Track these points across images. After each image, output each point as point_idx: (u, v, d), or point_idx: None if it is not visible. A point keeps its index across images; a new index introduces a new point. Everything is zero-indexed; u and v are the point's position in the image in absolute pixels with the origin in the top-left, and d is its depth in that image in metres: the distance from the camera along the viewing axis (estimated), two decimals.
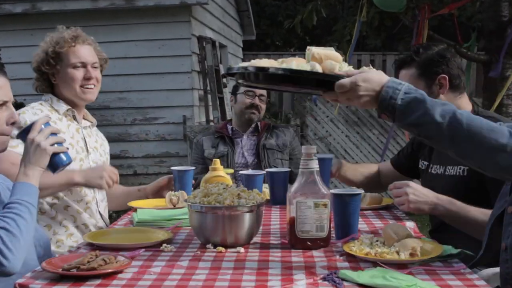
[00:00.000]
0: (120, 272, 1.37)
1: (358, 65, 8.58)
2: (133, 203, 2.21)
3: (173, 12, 5.93)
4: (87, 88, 2.25)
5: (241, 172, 2.37)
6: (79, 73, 2.23)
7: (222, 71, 6.81)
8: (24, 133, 1.58)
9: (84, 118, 2.35)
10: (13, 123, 1.60)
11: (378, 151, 7.36)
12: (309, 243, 1.56)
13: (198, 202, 1.62)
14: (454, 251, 1.50)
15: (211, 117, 6.19)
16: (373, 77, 1.33)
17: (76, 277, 1.33)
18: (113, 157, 5.89)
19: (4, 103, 1.59)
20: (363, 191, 1.76)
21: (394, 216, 2.08)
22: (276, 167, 2.93)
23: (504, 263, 1.47)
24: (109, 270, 1.35)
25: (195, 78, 6.12)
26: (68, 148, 1.64)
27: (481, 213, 1.77)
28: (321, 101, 7.33)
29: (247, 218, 1.60)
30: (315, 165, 1.58)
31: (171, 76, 6.00)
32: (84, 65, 2.24)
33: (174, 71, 5.99)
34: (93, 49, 2.32)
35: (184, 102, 6.00)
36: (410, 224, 1.86)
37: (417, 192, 1.85)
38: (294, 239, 1.58)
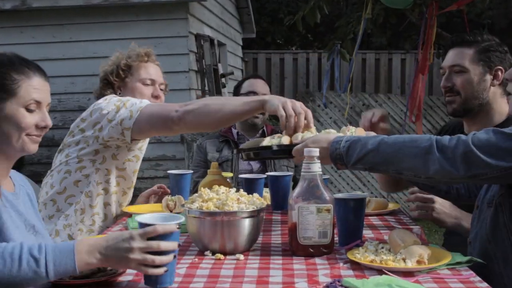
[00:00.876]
0: (115, 280, 1.38)
1: (362, 64, 8.56)
2: (128, 208, 2.22)
3: (170, 9, 5.94)
4: None
5: (241, 175, 2.37)
6: (147, 90, 2.31)
7: (221, 71, 6.81)
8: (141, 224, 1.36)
9: None
10: (43, 127, 1.58)
11: None
12: (311, 250, 1.57)
13: (196, 207, 1.63)
14: (463, 258, 1.50)
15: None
16: (321, 138, 1.65)
17: (69, 285, 1.33)
18: None
19: (38, 104, 1.56)
20: (367, 196, 1.76)
21: (400, 222, 2.08)
22: None
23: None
24: (103, 279, 1.34)
25: (193, 78, 6.12)
26: (166, 270, 1.31)
27: None
28: (323, 103, 7.34)
29: (247, 224, 1.60)
30: (317, 168, 1.59)
31: (167, 75, 5.91)
32: (153, 83, 2.32)
33: (171, 70, 5.98)
34: (160, 71, 2.41)
35: (181, 102, 6.00)
36: (417, 230, 1.86)
37: (444, 203, 1.98)
38: (296, 246, 1.58)
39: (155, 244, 1.29)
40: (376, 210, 2.20)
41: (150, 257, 1.28)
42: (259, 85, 3.20)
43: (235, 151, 3.10)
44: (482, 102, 2.13)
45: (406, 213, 2.30)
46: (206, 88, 6.19)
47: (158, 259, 1.29)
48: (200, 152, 3.17)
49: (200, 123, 2.01)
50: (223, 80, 6.67)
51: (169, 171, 2.39)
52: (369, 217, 2.13)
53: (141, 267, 1.29)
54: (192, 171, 2.45)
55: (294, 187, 3.04)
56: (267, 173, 2.39)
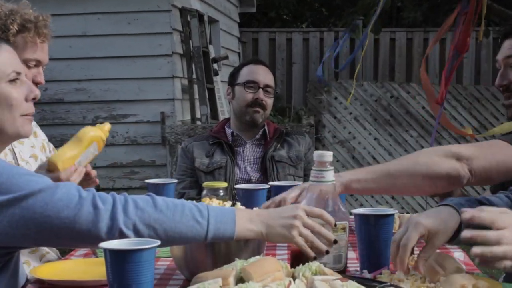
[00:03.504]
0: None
1: (391, 46, 8.58)
2: None
3: None
4: None
5: (237, 186, 2.38)
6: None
7: (213, 54, 6.82)
8: None
9: None
10: (33, 99, 1.72)
11: None
12: None
13: None
14: None
15: (198, 115, 6.20)
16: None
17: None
18: None
19: (18, 75, 1.70)
20: (396, 211, 1.77)
21: None
22: None
23: None
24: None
25: (177, 63, 6.13)
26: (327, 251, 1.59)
27: None
28: (341, 93, 7.36)
29: (244, 247, 1.61)
30: (331, 177, 1.59)
31: (145, 60, 6.02)
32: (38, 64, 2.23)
33: (149, 54, 6.01)
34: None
35: (162, 94, 6.02)
36: (459, 255, 1.87)
37: None
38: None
39: (317, 211, 1.56)
40: None
41: (310, 234, 1.54)
42: (261, 72, 3.20)
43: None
44: None
45: None
46: (194, 76, 6.20)
47: (323, 230, 1.55)
48: (186, 157, 3.18)
49: None
50: (215, 66, 6.68)
51: (147, 181, 2.39)
52: None
53: (301, 242, 1.53)
54: (176, 181, 2.45)
55: None
56: (269, 183, 2.39)
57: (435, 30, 8.67)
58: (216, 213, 1.52)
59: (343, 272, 1.60)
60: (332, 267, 1.57)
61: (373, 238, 1.70)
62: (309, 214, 1.55)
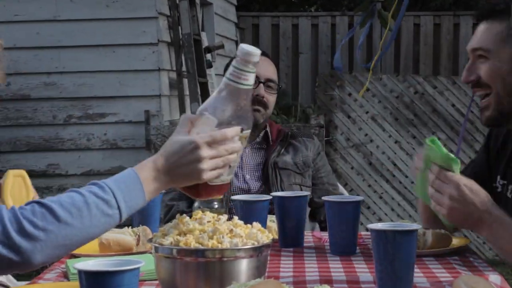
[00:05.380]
0: None
1: (415, 32, 8.51)
2: None
3: None
4: None
5: (234, 197, 2.39)
6: None
7: (206, 43, 6.82)
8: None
9: None
10: None
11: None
12: (216, 190, 1.71)
13: (169, 243, 1.65)
14: None
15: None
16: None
17: None
18: (36, 175, 5.92)
19: None
20: (420, 227, 1.78)
21: (470, 265, 2.10)
22: None
23: None
24: None
25: (164, 53, 6.14)
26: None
27: None
28: (356, 89, 7.36)
29: (243, 268, 1.62)
30: (252, 80, 1.66)
31: (126, 49, 6.03)
32: None
33: (131, 42, 6.01)
34: None
35: (146, 89, 6.02)
36: (495, 278, 1.87)
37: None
38: (203, 188, 1.68)
39: (220, 137, 1.62)
40: (434, 249, 2.22)
41: (220, 159, 1.64)
42: (262, 65, 3.20)
43: None
44: None
45: (481, 252, 2.32)
46: (184, 68, 6.21)
47: (230, 157, 1.66)
48: None
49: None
50: (208, 56, 6.68)
51: None
52: (424, 258, 2.14)
53: (214, 173, 1.64)
54: (163, 191, 2.47)
55: (312, 213, 3.03)
56: (272, 194, 2.41)
57: (468, 14, 8.66)
58: (123, 192, 1.57)
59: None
60: (225, 178, 1.70)
61: (392, 258, 1.71)
62: (212, 145, 1.62)
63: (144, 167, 1.63)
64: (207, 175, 1.63)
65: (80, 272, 1.39)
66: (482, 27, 2.19)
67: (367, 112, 7.51)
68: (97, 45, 6.02)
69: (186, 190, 1.71)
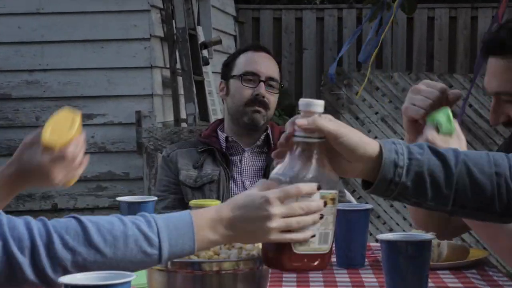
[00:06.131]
0: None
1: (429, 26, 8.47)
2: None
3: None
4: None
5: None
6: None
7: (202, 38, 6.82)
8: None
9: None
10: None
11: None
12: (306, 261, 1.59)
13: None
14: None
15: (184, 115, 6.20)
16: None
17: None
18: None
19: None
20: (434, 237, 1.78)
21: (488, 279, 2.10)
22: None
23: None
24: None
25: (157, 50, 6.14)
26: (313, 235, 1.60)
27: None
28: (365, 88, 7.36)
29: (243, 281, 1.62)
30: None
31: (115, 45, 6.03)
32: None
33: (121, 37, 6.01)
34: None
35: (138, 88, 6.02)
36: None
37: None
38: (288, 257, 1.58)
39: (295, 191, 1.55)
40: (449, 261, 2.22)
41: (294, 219, 1.55)
42: (263, 62, 3.22)
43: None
44: None
45: (502, 266, 2.32)
46: (178, 65, 6.21)
47: (307, 219, 1.56)
48: (169, 168, 3.19)
49: None
50: (205, 53, 6.69)
51: (118, 199, 2.40)
52: (438, 271, 2.14)
53: (283, 235, 1.55)
54: (155, 198, 2.47)
55: None
56: None
57: (487, 6, 8.64)
58: (170, 233, 1.53)
59: (327, 257, 1.62)
60: (317, 247, 1.59)
61: (404, 271, 1.71)
62: (284, 200, 1.56)
63: (203, 213, 1.58)
64: (275, 236, 1.55)
65: (67, 286, 1.39)
66: (499, 66, 2.15)
67: (376, 113, 7.51)
68: (84, 41, 6.01)
69: (267, 261, 1.63)
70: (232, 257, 1.63)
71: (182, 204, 3.08)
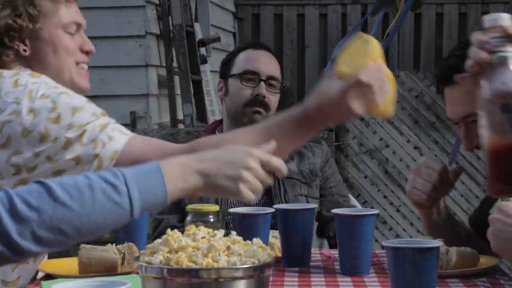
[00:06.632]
0: None
1: (437, 22, 8.46)
2: (44, 266, 2.25)
3: None
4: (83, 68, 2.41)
5: (232, 210, 2.40)
6: (72, 41, 2.38)
7: (200, 35, 6.83)
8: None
9: None
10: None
11: (473, 173, 7.35)
12: None
13: (158, 261, 1.65)
14: None
15: (181, 116, 6.21)
16: None
17: None
18: None
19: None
20: (442, 243, 1.78)
21: (499, 287, 2.10)
22: None
23: None
24: None
25: (152, 47, 6.15)
26: None
27: None
28: None
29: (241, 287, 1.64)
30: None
31: (109, 43, 6.04)
32: (79, 29, 2.41)
33: (115, 35, 6.02)
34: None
35: (132, 88, 6.03)
36: None
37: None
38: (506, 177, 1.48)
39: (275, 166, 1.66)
40: (458, 269, 2.22)
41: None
42: (263, 60, 3.22)
43: None
44: None
45: None
46: (175, 64, 6.22)
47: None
48: None
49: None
50: (202, 51, 6.69)
51: None
52: (447, 280, 2.15)
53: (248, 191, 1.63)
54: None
55: (319, 228, 3.04)
56: (274, 206, 2.42)
57: (498, 1, 8.61)
58: (138, 180, 1.55)
59: None
60: None
61: (411, 279, 1.72)
62: (264, 165, 1.63)
63: (173, 161, 1.62)
64: (244, 189, 1.63)
65: None
66: (457, 92, 2.33)
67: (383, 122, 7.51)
68: None
69: None
70: (231, 264, 1.64)
71: (178, 209, 3.08)
